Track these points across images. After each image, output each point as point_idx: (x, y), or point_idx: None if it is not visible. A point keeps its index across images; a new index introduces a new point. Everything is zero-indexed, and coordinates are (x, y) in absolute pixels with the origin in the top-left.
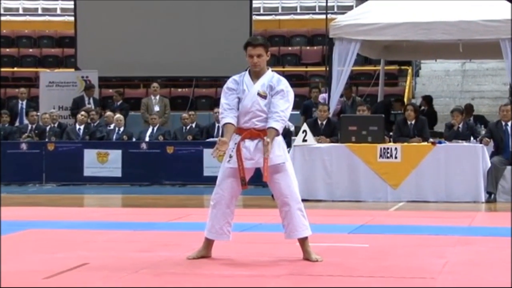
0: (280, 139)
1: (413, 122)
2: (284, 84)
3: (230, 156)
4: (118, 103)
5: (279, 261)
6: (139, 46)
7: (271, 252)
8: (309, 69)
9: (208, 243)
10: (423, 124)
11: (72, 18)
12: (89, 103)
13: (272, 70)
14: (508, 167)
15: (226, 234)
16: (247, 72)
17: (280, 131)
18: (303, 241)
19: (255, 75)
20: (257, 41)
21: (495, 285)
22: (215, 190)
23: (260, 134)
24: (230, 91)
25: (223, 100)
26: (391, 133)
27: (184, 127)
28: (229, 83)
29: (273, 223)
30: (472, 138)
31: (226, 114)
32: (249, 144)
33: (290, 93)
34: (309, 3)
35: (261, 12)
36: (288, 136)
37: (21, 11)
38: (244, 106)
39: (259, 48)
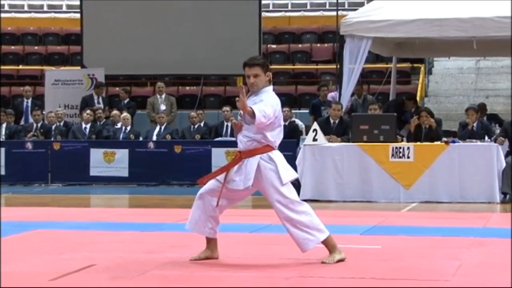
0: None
1: (427, 126)
2: (265, 95)
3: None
4: (125, 101)
5: (289, 263)
6: (146, 43)
7: (281, 254)
8: (319, 66)
9: (209, 242)
10: (437, 125)
11: (78, 15)
12: (98, 102)
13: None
14: None
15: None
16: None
17: (257, 115)
18: (323, 243)
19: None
20: (253, 61)
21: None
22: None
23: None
24: None
25: None
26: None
27: (192, 126)
28: None
29: None
30: (486, 137)
31: None
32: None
33: (268, 100)
34: (320, 0)
35: (271, 8)
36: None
37: (26, 8)
38: None
39: (255, 68)
